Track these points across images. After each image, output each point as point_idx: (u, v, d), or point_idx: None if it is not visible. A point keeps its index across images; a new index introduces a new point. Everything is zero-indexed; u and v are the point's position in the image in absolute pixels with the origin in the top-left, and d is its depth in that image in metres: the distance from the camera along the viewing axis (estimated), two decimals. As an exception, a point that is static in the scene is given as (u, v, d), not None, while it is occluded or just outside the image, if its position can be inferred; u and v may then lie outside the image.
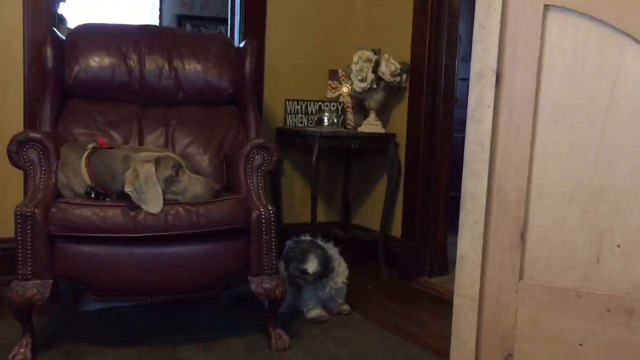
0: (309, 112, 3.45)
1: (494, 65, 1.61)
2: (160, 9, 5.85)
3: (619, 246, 1.57)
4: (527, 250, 1.66)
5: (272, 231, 2.30)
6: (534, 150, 1.62)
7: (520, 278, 1.68)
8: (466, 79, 3.95)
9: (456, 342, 1.75)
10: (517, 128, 1.62)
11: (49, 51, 2.53)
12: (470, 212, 1.69)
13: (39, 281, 2.08)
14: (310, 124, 3.43)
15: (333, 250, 2.70)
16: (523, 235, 1.66)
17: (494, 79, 1.62)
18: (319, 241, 2.70)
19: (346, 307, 2.72)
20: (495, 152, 1.65)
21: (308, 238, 2.70)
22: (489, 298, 1.72)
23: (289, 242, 2.66)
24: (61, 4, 3.47)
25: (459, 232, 1.72)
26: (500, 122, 1.64)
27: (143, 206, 2.13)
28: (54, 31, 2.63)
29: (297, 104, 3.42)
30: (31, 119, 2.81)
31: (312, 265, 2.52)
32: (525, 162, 1.62)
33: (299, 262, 2.54)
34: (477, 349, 1.74)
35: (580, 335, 1.64)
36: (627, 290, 1.58)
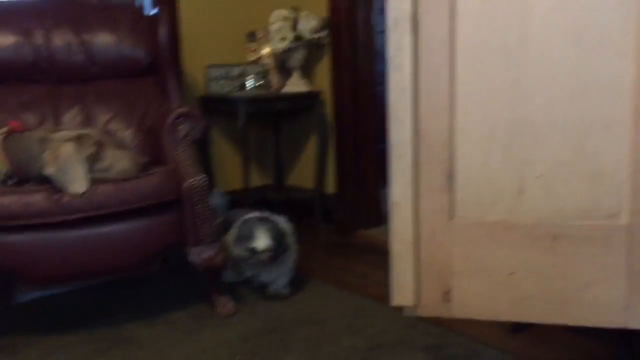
0: (232, 77, 3.38)
1: (409, 9, 1.63)
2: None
3: (539, 177, 1.65)
4: (456, 190, 1.72)
5: (206, 200, 2.27)
6: (455, 92, 1.66)
7: (451, 217, 1.74)
8: (383, 32, 3.97)
9: (396, 286, 1.81)
10: (437, 71, 1.65)
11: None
12: (399, 158, 1.72)
13: (-36, 276, 1.99)
14: (234, 89, 3.37)
15: (286, 226, 2.50)
16: (451, 176, 1.71)
17: (410, 24, 1.63)
18: (269, 216, 2.47)
19: (286, 290, 2.48)
20: (418, 97, 1.68)
21: (257, 214, 2.47)
22: (424, 240, 1.77)
23: (236, 224, 2.45)
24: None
25: (391, 180, 1.76)
26: (420, 66, 1.66)
27: (67, 187, 2.05)
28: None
29: (219, 70, 3.35)
30: None
31: (261, 242, 2.33)
32: (447, 104, 1.66)
33: (247, 241, 2.35)
34: (416, 290, 1.80)
35: (510, 265, 1.72)
36: (550, 217, 1.67)
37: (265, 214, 2.50)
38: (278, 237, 2.38)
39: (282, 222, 2.50)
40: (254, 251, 2.34)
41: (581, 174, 1.61)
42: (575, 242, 1.65)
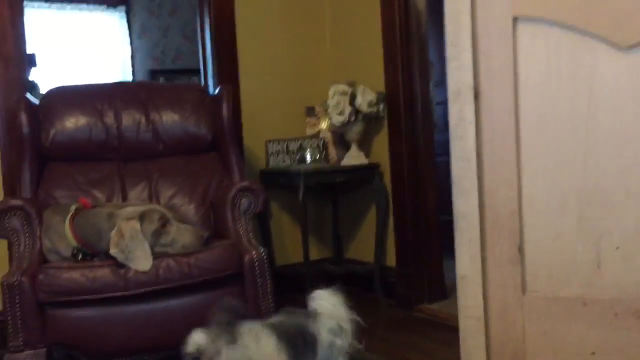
0: (291, 151, 3.44)
1: (470, 81, 1.62)
2: (133, 66, 5.88)
3: (618, 248, 1.55)
4: (527, 263, 1.64)
5: (267, 273, 2.27)
6: (521, 162, 1.62)
7: (524, 292, 1.65)
8: (441, 103, 3.99)
9: (467, 365, 1.71)
10: (501, 141, 1.62)
11: (23, 117, 2.52)
12: (464, 230, 1.66)
13: (32, 351, 2.02)
14: (293, 162, 3.42)
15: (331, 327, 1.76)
16: (521, 248, 1.64)
17: (472, 94, 1.62)
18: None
19: None
20: (482, 167, 1.65)
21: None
22: (494, 316, 1.68)
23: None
24: (32, 69, 3.46)
25: (456, 252, 1.70)
26: (483, 137, 1.63)
27: (132, 265, 2.09)
28: (27, 97, 2.62)
29: (278, 144, 3.42)
30: (11, 186, 2.76)
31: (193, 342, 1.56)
32: (513, 175, 1.61)
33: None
34: (489, 370, 1.70)
35: (591, 344, 1.60)
36: (631, 292, 1.56)
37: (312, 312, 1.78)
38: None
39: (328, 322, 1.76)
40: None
41: (663, 245, 1.51)
42: (661, 319, 1.53)
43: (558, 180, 1.58)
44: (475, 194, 1.63)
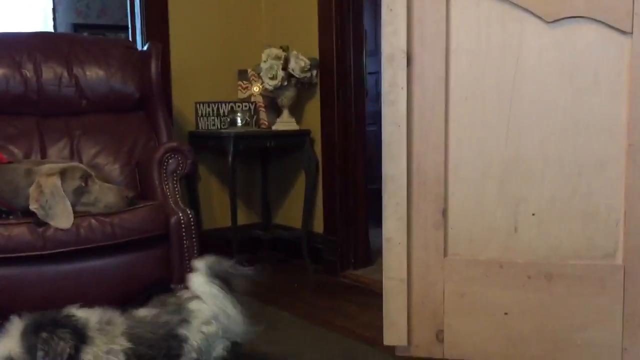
0: (221, 114, 3.38)
1: (404, 46, 1.64)
2: (54, 19, 5.57)
3: (534, 214, 1.64)
4: (450, 227, 1.70)
5: (193, 236, 2.23)
6: (449, 128, 1.66)
7: (445, 255, 1.72)
8: (374, 73, 4.02)
9: (388, 325, 1.77)
10: (431, 107, 1.66)
11: None
12: (392, 194, 1.70)
13: (-61, 311, 1.90)
14: (224, 125, 3.36)
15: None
16: (444, 213, 1.69)
17: (405, 60, 1.64)
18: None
19: None
20: (412, 132, 1.68)
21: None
22: (416, 277, 1.74)
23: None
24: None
25: (383, 215, 1.74)
26: (414, 102, 1.67)
27: (52, 222, 2.00)
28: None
29: (208, 107, 3.34)
30: None
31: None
32: (441, 141, 1.66)
33: None
34: (409, 329, 1.76)
35: (505, 304, 1.69)
36: (544, 256, 1.65)
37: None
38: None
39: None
40: None
41: (575, 212, 1.60)
42: (569, 282, 1.63)
43: (483, 147, 1.64)
44: (404, 158, 1.67)
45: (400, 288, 1.74)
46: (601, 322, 1.63)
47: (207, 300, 1.57)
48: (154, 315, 1.55)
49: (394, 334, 1.76)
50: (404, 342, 1.76)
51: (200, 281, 1.59)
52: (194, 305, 1.57)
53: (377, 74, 4.16)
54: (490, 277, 1.69)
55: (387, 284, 1.76)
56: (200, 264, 1.62)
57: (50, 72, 2.58)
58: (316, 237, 3.34)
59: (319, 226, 3.34)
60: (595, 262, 1.62)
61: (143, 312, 1.56)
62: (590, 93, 1.57)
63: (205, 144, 3.25)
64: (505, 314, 1.69)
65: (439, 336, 1.72)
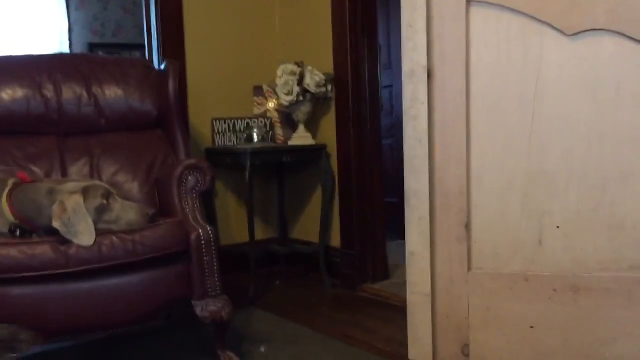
0: (237, 130, 3.40)
1: (424, 62, 1.65)
2: (70, 39, 5.64)
3: (558, 227, 1.63)
4: (473, 241, 1.70)
5: (213, 252, 2.24)
6: (470, 142, 1.66)
7: (469, 268, 1.71)
8: (388, 86, 4.03)
9: (413, 339, 1.76)
10: (452, 121, 1.66)
11: (-45, 86, 2.37)
12: (415, 208, 1.70)
13: (-35, 330, 1.92)
14: (240, 141, 3.38)
15: None
16: (467, 226, 1.69)
17: (425, 75, 1.65)
18: None
19: None
20: (433, 146, 1.68)
21: None
22: (440, 292, 1.73)
23: None
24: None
25: (406, 229, 1.74)
26: (435, 117, 1.67)
27: (74, 240, 2.02)
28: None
29: (225, 123, 3.37)
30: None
31: None
32: (462, 154, 1.66)
33: None
34: (433, 343, 1.75)
35: (530, 318, 1.68)
36: (570, 268, 1.64)
37: None
38: None
39: None
40: None
41: (600, 224, 1.59)
42: (596, 295, 1.62)
43: (505, 160, 1.64)
44: (426, 172, 1.67)
45: (424, 302, 1.73)
46: (630, 335, 1.62)
47: None
48: None
49: (419, 348, 1.75)
50: (429, 357, 1.75)
51: None
52: None
53: (391, 87, 4.18)
54: (515, 290, 1.68)
55: (411, 299, 1.75)
56: None
57: (69, 92, 2.62)
58: (333, 251, 3.34)
59: (336, 240, 3.35)
60: (621, 274, 1.61)
61: None
62: (612, 105, 1.56)
63: (222, 160, 3.27)
64: (531, 327, 1.68)
65: (465, 350, 1.71)
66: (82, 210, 2.03)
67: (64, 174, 2.55)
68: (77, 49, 5.66)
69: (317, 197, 3.42)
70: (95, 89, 2.67)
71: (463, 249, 1.70)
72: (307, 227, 3.53)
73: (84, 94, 2.64)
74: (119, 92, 2.70)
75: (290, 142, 3.30)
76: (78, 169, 2.58)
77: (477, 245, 1.70)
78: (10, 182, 2.16)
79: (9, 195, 2.10)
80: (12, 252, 1.96)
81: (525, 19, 1.57)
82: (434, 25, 1.65)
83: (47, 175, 2.50)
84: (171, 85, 2.76)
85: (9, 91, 2.50)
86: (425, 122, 1.67)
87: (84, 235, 2.03)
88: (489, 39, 1.62)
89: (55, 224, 2.00)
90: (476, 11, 1.61)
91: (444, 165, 1.68)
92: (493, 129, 1.65)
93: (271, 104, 3.40)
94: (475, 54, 1.64)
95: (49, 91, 2.58)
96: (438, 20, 1.64)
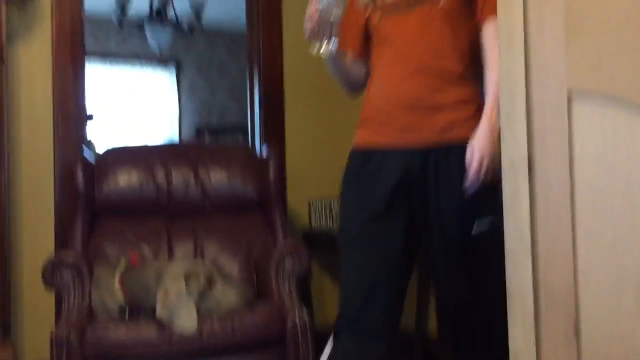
0: (334, 212, 3.45)
1: (525, 154, 1.62)
2: (179, 124, 6.04)
3: (680, 332, 1.49)
4: (583, 343, 1.58)
5: (309, 338, 2.25)
6: (576, 237, 1.58)
7: (579, 375, 1.59)
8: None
9: None
10: (556, 216, 1.60)
11: (80, 174, 2.60)
12: (518, 305, 1.63)
13: (75, 407, 2.02)
14: (336, 223, 3.42)
15: None
16: (577, 327, 1.58)
17: (526, 168, 1.62)
18: None
19: None
20: (536, 241, 1.62)
21: None
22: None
23: None
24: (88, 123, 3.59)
25: (509, 328, 1.66)
26: (537, 210, 1.62)
27: (177, 325, 2.09)
28: (84, 156, 2.72)
29: (321, 203, 3.43)
30: (62, 238, 2.82)
31: None
32: (568, 250, 1.58)
33: None
34: None
35: None
36: (696, 379, 1.49)
37: None
38: None
39: None
40: None
41: None
42: None
43: (615, 257, 1.54)
44: (530, 268, 1.60)
45: (530, 408, 1.62)
46: None
47: None
48: None
49: None
50: None
51: None
52: None
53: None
54: (632, 399, 1.53)
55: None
56: None
57: (179, 178, 2.79)
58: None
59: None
60: None
61: None
62: None
63: (318, 242, 3.31)
64: None
65: None
66: (184, 296, 2.12)
67: (171, 254, 2.68)
68: (185, 132, 6.03)
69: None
70: (202, 175, 2.83)
71: (572, 351, 1.58)
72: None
73: (192, 179, 2.81)
74: (224, 177, 2.85)
75: (386, 225, 3.29)
76: (184, 249, 2.71)
77: (588, 347, 1.57)
78: (123, 263, 2.30)
79: (122, 277, 2.23)
80: (121, 333, 2.08)
81: (631, 113, 1.52)
82: (535, 118, 1.62)
83: (155, 254, 2.65)
84: (272, 170, 2.88)
85: (126, 178, 2.71)
86: (527, 215, 1.61)
87: (186, 321, 2.10)
88: (593, 130, 1.56)
89: (159, 312, 2.09)
90: (579, 102, 1.57)
91: (548, 261, 1.61)
92: (600, 223, 1.57)
93: (368, 186, 3.42)
94: (579, 148, 1.58)
95: (160, 177, 2.77)
96: (539, 114, 1.61)
